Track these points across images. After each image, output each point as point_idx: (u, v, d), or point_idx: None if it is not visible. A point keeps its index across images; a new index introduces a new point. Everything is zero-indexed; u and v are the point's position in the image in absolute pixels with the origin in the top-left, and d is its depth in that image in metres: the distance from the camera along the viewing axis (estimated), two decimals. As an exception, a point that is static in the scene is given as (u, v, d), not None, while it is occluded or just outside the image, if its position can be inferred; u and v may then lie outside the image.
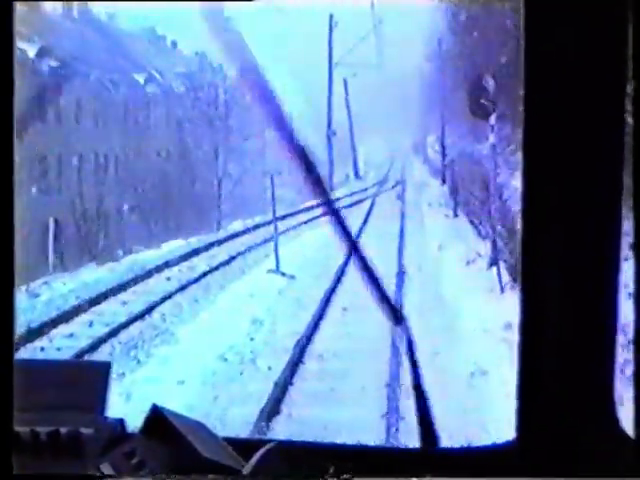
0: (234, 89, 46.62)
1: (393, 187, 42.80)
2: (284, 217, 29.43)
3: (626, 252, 2.11)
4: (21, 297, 16.59)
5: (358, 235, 26.62)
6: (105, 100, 38.85)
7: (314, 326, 15.58)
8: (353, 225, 28.74)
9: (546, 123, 2.18)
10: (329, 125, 45.29)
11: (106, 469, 2.01)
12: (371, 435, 10.43)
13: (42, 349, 14.23)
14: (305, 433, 10.19)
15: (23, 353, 12.69)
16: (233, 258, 22.65)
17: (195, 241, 26.24)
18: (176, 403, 8.94)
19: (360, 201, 37.31)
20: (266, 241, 23.40)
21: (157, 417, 2.10)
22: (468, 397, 11.67)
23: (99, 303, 17.64)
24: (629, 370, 2.05)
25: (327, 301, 17.37)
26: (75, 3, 45.53)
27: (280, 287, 18.91)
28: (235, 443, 2.14)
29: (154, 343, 14.65)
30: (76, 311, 16.51)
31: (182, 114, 44.61)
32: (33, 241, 23.76)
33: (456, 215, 29.15)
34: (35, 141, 26.70)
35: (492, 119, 19.71)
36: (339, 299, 17.74)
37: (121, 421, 2.19)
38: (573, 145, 2.14)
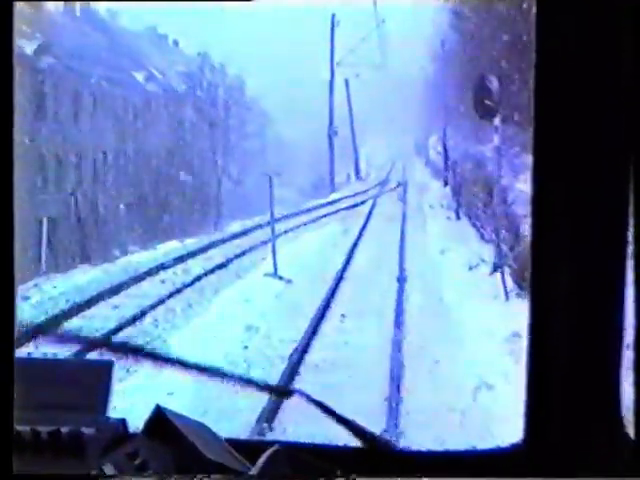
0: (234, 89, 46.13)
1: (394, 188, 42.14)
2: (283, 218, 28.75)
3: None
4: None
5: (359, 237, 25.95)
6: (103, 98, 38.20)
7: (311, 334, 14.89)
8: (354, 227, 28.07)
9: (556, 127, 2.13)
10: (330, 125, 44.64)
11: (108, 469, 1.99)
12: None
13: (28, 355, 13.57)
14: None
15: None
16: (230, 261, 21.95)
17: (192, 242, 25.54)
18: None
19: (361, 202, 36.65)
20: (264, 243, 22.71)
21: (160, 418, 2.08)
22: (473, 414, 10.97)
23: (90, 307, 16.95)
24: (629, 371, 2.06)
25: (325, 307, 16.68)
26: (77, 2, 45.20)
27: (277, 291, 18.22)
28: (237, 444, 2.13)
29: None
30: (65, 315, 15.82)
31: (182, 113, 44.06)
32: (26, 241, 23.11)
33: (458, 218, 28.50)
34: (31, 138, 26.14)
35: (496, 120, 19.02)
36: (337, 305, 17.07)
37: (123, 421, 2.17)
38: (584, 149, 2.11)
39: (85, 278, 20.04)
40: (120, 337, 14.72)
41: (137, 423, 2.20)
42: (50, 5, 40.20)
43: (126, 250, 26.04)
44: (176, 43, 53.29)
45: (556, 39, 2.10)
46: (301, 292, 18.24)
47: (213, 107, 42.95)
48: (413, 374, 12.93)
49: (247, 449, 2.14)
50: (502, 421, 9.88)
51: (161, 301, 17.22)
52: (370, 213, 32.65)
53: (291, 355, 13.72)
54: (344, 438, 2.44)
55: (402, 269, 20.61)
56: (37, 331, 14.68)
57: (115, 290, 18.23)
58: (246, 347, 14.21)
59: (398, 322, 15.59)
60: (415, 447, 2.47)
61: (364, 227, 28.41)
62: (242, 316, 15.95)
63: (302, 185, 49.43)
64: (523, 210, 19.59)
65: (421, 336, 14.85)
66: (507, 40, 27.77)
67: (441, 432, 9.69)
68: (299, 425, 11.74)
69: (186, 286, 18.76)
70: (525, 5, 25.32)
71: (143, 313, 16.28)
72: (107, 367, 2.29)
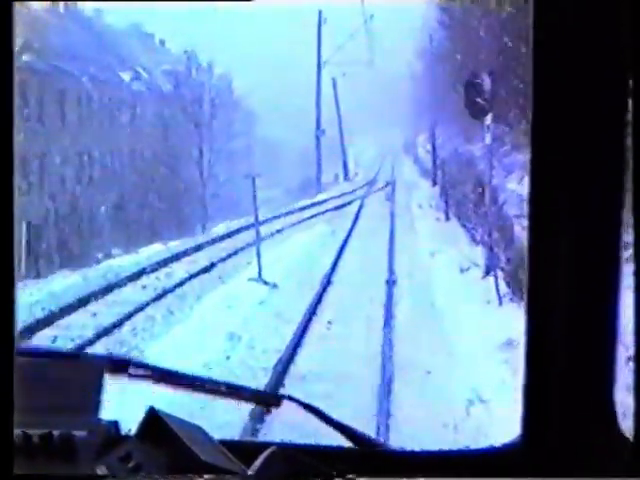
0: (221, 88, 45.47)
1: (383, 188, 41.46)
2: (269, 220, 28.05)
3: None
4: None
5: (347, 239, 25.25)
6: (87, 98, 37.47)
7: (296, 342, 14.16)
8: (342, 228, 27.36)
9: (554, 127, 2.08)
10: (318, 125, 43.95)
11: (101, 473, 1.96)
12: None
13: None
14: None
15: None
16: (214, 265, 21.21)
17: (176, 245, 24.76)
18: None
19: (349, 203, 35.95)
20: (250, 246, 21.94)
21: (154, 420, 2.04)
22: (466, 430, 10.26)
23: (67, 315, 16.19)
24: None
25: (311, 313, 15.96)
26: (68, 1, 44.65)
27: (261, 297, 17.48)
28: (231, 446, 2.11)
29: (120, 363, 13.19)
30: (39, 325, 15.03)
31: (168, 113, 43.38)
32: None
33: (448, 218, 27.83)
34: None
35: (488, 119, 18.32)
36: (324, 311, 16.35)
37: (115, 423, 2.13)
38: (583, 149, 2.05)
39: (64, 284, 19.27)
40: (96, 348, 13.98)
41: (129, 425, 2.13)
42: (33, 3, 39.46)
43: (109, 254, 25.25)
44: (162, 42, 52.72)
45: (553, 32, 2.05)
46: (286, 297, 17.53)
47: (199, 107, 42.23)
48: (403, 386, 12.22)
49: (242, 451, 2.09)
50: (497, 438, 9.21)
51: (141, 308, 16.47)
52: (358, 214, 31.93)
53: (275, 366, 12.99)
54: (335, 439, 2.38)
55: (391, 272, 19.91)
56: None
57: (94, 297, 17.48)
58: (228, 357, 13.47)
59: (387, 329, 14.88)
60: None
61: (352, 228, 27.69)
62: (224, 324, 15.21)
63: (289, 185, 48.88)
64: (515, 210, 18.95)
65: (412, 344, 14.14)
66: (497, 38, 27.17)
67: (433, 449, 9.21)
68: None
69: (167, 292, 18.01)
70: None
71: (122, 321, 15.53)
72: (99, 368, 2.22)
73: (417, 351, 13.79)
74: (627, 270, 2.03)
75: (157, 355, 13.45)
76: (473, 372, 12.36)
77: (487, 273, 18.30)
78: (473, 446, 2.47)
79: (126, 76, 45.25)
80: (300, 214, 31.57)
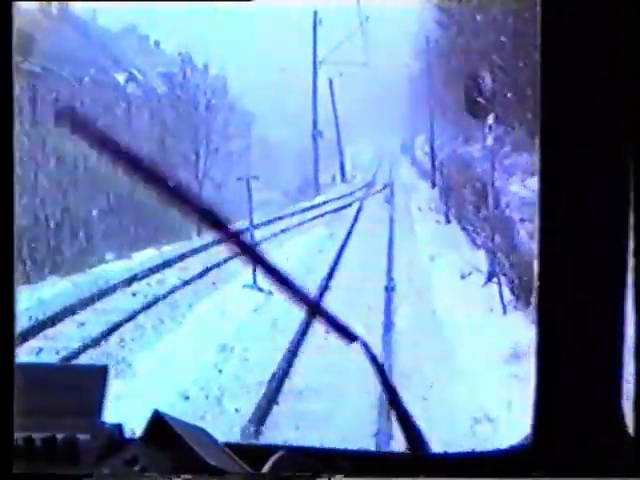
0: (216, 89, 44.79)
1: (381, 190, 40.71)
2: (265, 224, 27.30)
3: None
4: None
5: (345, 242, 24.50)
6: (80, 99, 36.72)
7: (292, 354, 13.42)
8: (340, 231, 26.63)
9: (564, 133, 2.04)
10: (314, 126, 43.20)
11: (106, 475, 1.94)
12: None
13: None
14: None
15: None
16: (208, 270, 20.44)
17: (169, 250, 23.95)
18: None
19: (347, 205, 35.19)
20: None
21: (159, 423, 2.02)
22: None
23: (54, 324, 15.43)
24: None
25: (308, 322, 15.18)
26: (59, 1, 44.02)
27: (256, 305, 16.74)
28: (236, 449, 2.08)
29: (106, 376, 12.41)
30: (24, 336, 14.26)
31: (163, 114, 42.69)
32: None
33: (448, 221, 27.11)
34: None
35: (489, 119, 17.60)
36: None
37: (119, 426, 2.11)
38: (593, 155, 2.03)
39: (52, 291, 18.50)
40: (82, 360, 13.22)
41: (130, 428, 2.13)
42: (24, 4, 38.76)
43: (103, 258, 24.47)
44: (157, 43, 52.02)
45: (561, 31, 2.01)
46: (282, 305, 16.75)
47: (195, 108, 41.52)
48: (405, 399, 11.47)
49: (246, 454, 2.05)
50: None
51: (130, 317, 15.71)
52: (356, 216, 31.16)
53: (270, 381, 12.26)
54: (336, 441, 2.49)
55: (390, 278, 19.16)
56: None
57: (82, 305, 16.72)
58: (220, 371, 12.74)
59: (387, 339, 14.14)
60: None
61: (350, 232, 26.93)
62: (217, 334, 14.49)
63: (287, 187, 48.21)
64: (518, 214, 18.24)
65: (412, 356, 13.42)
66: (496, 36, 26.49)
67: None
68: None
69: (159, 299, 17.25)
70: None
71: (110, 331, 14.77)
72: (102, 371, 2.20)
73: (418, 363, 13.08)
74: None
75: (145, 368, 12.74)
76: (478, 387, 11.64)
77: (489, 279, 17.59)
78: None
79: (121, 78, 44.57)
80: (297, 217, 30.78)
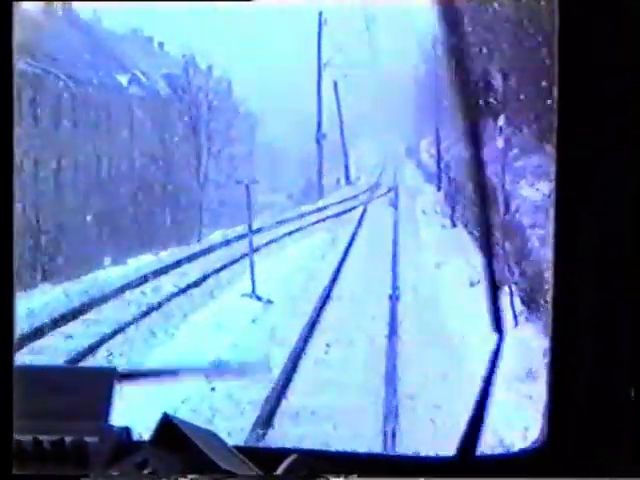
0: (220, 91, 44.00)
1: (386, 193, 39.71)
2: (266, 228, 26.33)
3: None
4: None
5: (348, 249, 23.51)
6: (79, 101, 35.89)
7: (290, 370, 12.44)
8: (343, 236, 25.67)
9: (582, 132, 2.02)
10: (319, 128, 42.22)
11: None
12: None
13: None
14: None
15: None
16: (206, 277, 19.47)
17: (167, 255, 22.96)
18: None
19: (351, 209, 34.18)
20: (245, 256, 20.13)
21: (168, 426, 2.01)
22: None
23: (41, 337, 14.48)
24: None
25: (308, 335, 14.23)
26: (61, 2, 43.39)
27: (254, 314, 15.76)
28: (245, 452, 2.05)
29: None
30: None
31: (166, 117, 41.87)
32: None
33: (454, 225, 26.11)
34: None
35: (501, 120, 16.62)
36: (322, 331, 14.64)
37: (127, 429, 2.12)
38: (611, 156, 2.02)
39: (42, 300, 17.51)
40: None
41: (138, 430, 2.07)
42: (28, 4, 37.97)
43: (98, 264, 23.49)
44: (161, 45, 51.33)
45: (579, 33, 2.00)
46: (281, 315, 15.82)
47: (198, 110, 40.66)
48: (409, 424, 10.50)
49: (255, 456, 2.03)
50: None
51: (120, 329, 14.74)
52: (360, 221, 30.13)
53: (265, 400, 11.27)
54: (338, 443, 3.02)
55: (395, 286, 18.16)
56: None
57: (72, 316, 15.75)
58: (213, 389, 11.74)
59: (391, 354, 13.15)
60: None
61: (353, 237, 25.91)
62: (211, 347, 13.47)
63: (291, 190, 47.35)
64: (529, 219, 17.27)
65: (418, 372, 12.43)
66: (505, 36, 25.60)
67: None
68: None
69: (152, 309, 16.28)
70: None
71: (98, 344, 13.81)
72: (109, 374, 2.23)
73: (425, 381, 12.08)
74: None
75: (130, 386, 11.71)
76: (490, 409, 10.64)
77: (499, 288, 16.63)
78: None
79: (123, 80, 43.84)
80: (299, 222, 29.77)
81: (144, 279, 18.93)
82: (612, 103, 1.99)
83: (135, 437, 2.13)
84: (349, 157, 47.64)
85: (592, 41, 2.00)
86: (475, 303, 15.92)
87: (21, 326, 14.89)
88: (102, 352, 13.54)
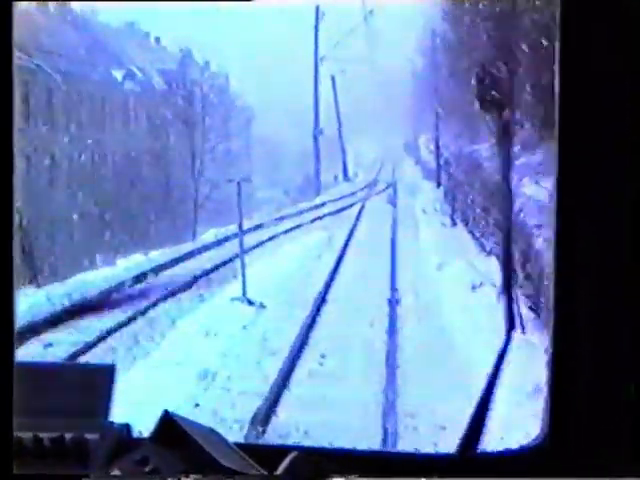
0: (217, 87, 43.18)
1: (384, 190, 38.73)
2: (259, 227, 25.37)
3: None
4: None
5: (345, 248, 22.53)
6: (70, 96, 34.96)
7: (282, 384, 11.46)
8: (340, 235, 24.69)
9: (582, 139, 2.00)
10: (316, 124, 41.23)
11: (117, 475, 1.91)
12: None
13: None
14: None
15: None
16: (196, 279, 18.50)
17: (158, 255, 21.93)
18: None
19: (349, 206, 33.17)
20: (238, 256, 19.11)
21: (169, 423, 1.99)
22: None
23: (19, 345, 13.45)
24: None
25: (302, 344, 13.26)
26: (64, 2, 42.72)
27: (245, 320, 14.78)
28: (245, 449, 2.04)
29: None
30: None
31: (161, 112, 40.96)
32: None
33: (454, 224, 25.14)
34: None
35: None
36: (317, 339, 13.66)
37: (127, 426, 2.10)
38: (613, 157, 1.99)
39: (25, 304, 16.50)
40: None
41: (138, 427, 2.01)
42: (24, 2, 37.13)
43: (89, 265, 22.49)
44: (158, 40, 50.53)
45: (580, 32, 1.96)
46: (274, 320, 14.84)
47: (195, 106, 39.73)
48: (411, 446, 9.53)
49: (256, 453, 2.02)
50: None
51: (103, 337, 13.77)
52: (358, 219, 29.11)
53: (254, 418, 10.29)
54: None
55: (394, 289, 17.18)
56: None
57: (53, 322, 14.77)
58: (197, 405, 10.77)
59: (391, 365, 12.17)
60: None
61: (351, 235, 24.89)
62: (198, 357, 12.52)
63: (289, 186, 46.50)
64: (534, 219, 16.31)
65: (419, 387, 11.45)
66: (505, 31, 24.68)
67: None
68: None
69: (138, 314, 15.30)
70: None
71: (77, 354, 12.83)
72: (109, 371, 2.18)
73: (427, 396, 11.11)
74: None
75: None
76: (498, 429, 9.69)
77: (503, 292, 15.67)
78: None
79: (119, 75, 42.98)
80: (295, 219, 28.75)
81: (132, 281, 17.94)
82: (612, 110, 1.97)
83: (135, 434, 2.09)
84: (347, 153, 46.69)
85: (592, 48, 1.96)
86: (477, 308, 15.00)
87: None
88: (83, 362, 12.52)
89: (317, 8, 39.97)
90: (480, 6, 26.75)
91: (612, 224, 2.01)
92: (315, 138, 40.97)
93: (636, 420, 2.07)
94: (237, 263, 18.46)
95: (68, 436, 1.98)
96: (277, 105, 45.18)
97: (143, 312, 15.40)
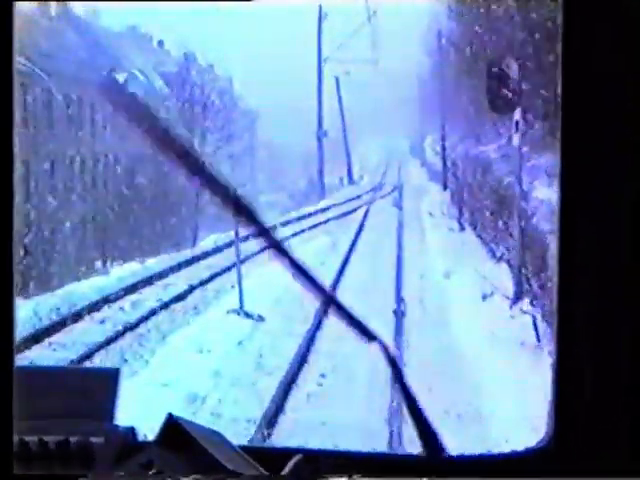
0: (220, 90, 42.43)
1: (390, 193, 37.70)
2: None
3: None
4: None
5: (348, 255, 21.47)
6: (69, 100, 34.14)
7: (277, 408, 10.41)
8: (344, 240, 23.65)
9: (586, 131, 1.98)
10: (319, 126, 40.21)
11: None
12: None
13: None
14: None
15: None
16: (192, 288, 17.46)
17: (155, 263, 20.89)
18: None
19: (353, 210, 32.13)
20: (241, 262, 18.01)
21: (173, 426, 1.94)
22: None
23: None
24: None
25: (300, 362, 12.20)
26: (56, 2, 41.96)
27: (241, 335, 13.74)
28: (250, 452, 2.02)
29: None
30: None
31: (165, 115, 40.07)
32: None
33: (462, 228, 24.10)
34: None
35: (517, 114, 14.60)
36: (317, 357, 12.62)
37: (132, 429, 2.07)
38: (617, 158, 1.98)
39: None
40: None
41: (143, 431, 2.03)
42: (22, 4, 36.32)
43: (83, 273, 21.51)
44: (161, 43, 49.85)
45: (585, 38, 1.94)
46: (272, 336, 13.81)
47: (197, 109, 38.88)
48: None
49: (260, 456, 1.98)
50: None
51: (88, 355, 12.74)
52: (362, 223, 28.02)
53: (248, 443, 9.25)
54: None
55: (399, 299, 16.12)
56: None
57: (37, 337, 13.76)
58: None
59: (396, 386, 11.10)
60: None
61: (355, 241, 23.82)
62: (188, 378, 11.47)
63: (293, 189, 45.66)
64: (548, 224, 15.25)
65: (428, 408, 10.38)
66: (513, 29, 23.79)
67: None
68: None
69: (128, 329, 14.27)
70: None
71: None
72: (114, 374, 2.16)
73: (435, 419, 10.02)
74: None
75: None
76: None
77: (515, 301, 14.65)
78: None
79: (120, 78, 42.18)
80: (299, 224, 27.68)
81: (123, 292, 16.91)
82: (614, 110, 1.94)
83: (140, 437, 2.01)
84: (352, 155, 45.70)
85: (594, 48, 1.93)
86: (488, 319, 13.95)
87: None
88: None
89: (320, 8, 38.99)
90: (488, 3, 25.80)
91: (613, 224, 1.98)
92: (319, 140, 39.98)
93: (636, 420, 2.01)
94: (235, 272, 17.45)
95: (73, 440, 1.93)
96: (281, 107, 44.30)
97: (133, 327, 14.35)
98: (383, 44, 38.94)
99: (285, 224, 27.39)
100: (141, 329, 14.31)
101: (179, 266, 20.09)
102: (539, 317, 13.23)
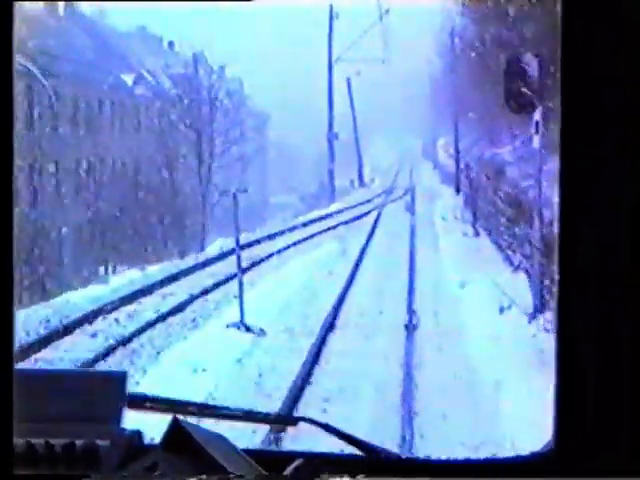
0: (230, 91, 41.58)
1: (401, 196, 36.65)
2: (271, 236, 23.32)
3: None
4: None
5: (359, 262, 20.39)
6: (77, 101, 33.26)
7: (274, 438, 9.34)
8: (354, 246, 22.58)
9: (587, 133, 1.96)
10: (330, 127, 39.22)
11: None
12: None
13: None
14: None
15: None
16: (193, 298, 16.42)
17: (155, 270, 19.84)
18: None
19: (364, 214, 31.07)
20: (244, 271, 16.93)
21: (177, 430, 1.95)
22: None
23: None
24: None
25: (302, 383, 11.13)
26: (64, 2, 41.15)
27: (240, 351, 12.67)
28: (254, 456, 2.02)
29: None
30: None
31: (172, 117, 39.28)
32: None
33: (477, 234, 23.02)
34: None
35: (536, 115, 13.52)
36: (321, 378, 11.54)
37: (138, 433, 2.05)
38: (618, 159, 1.96)
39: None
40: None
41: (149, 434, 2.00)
42: (27, 5, 35.53)
43: (80, 281, 20.50)
44: (171, 44, 49.08)
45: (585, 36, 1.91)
46: (273, 353, 12.73)
47: (206, 110, 37.98)
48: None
49: (264, 460, 1.99)
50: None
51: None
52: (374, 228, 26.94)
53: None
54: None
55: (411, 311, 15.03)
56: None
57: (23, 353, 12.71)
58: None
59: (407, 412, 10.03)
60: None
61: (365, 248, 22.72)
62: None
63: (304, 191, 44.76)
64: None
65: (439, 436, 9.33)
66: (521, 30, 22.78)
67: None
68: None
69: (119, 344, 13.22)
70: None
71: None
72: (120, 377, 2.12)
73: (448, 447, 8.97)
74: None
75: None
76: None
77: (534, 315, 13.55)
78: None
79: (129, 79, 41.35)
80: (308, 229, 26.61)
81: (120, 303, 15.88)
82: (614, 114, 1.90)
83: (147, 441, 2.01)
84: (363, 158, 44.67)
85: (593, 52, 1.90)
86: (507, 335, 12.87)
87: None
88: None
89: (331, 8, 37.99)
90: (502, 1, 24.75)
91: (614, 228, 1.93)
92: (330, 142, 38.98)
93: (636, 420, 1.96)
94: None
95: (79, 442, 1.91)
96: (291, 108, 43.39)
97: (126, 341, 13.31)
98: (395, 43, 38.07)
99: (292, 229, 26.41)
100: (134, 344, 13.24)
101: (181, 274, 19.05)
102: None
